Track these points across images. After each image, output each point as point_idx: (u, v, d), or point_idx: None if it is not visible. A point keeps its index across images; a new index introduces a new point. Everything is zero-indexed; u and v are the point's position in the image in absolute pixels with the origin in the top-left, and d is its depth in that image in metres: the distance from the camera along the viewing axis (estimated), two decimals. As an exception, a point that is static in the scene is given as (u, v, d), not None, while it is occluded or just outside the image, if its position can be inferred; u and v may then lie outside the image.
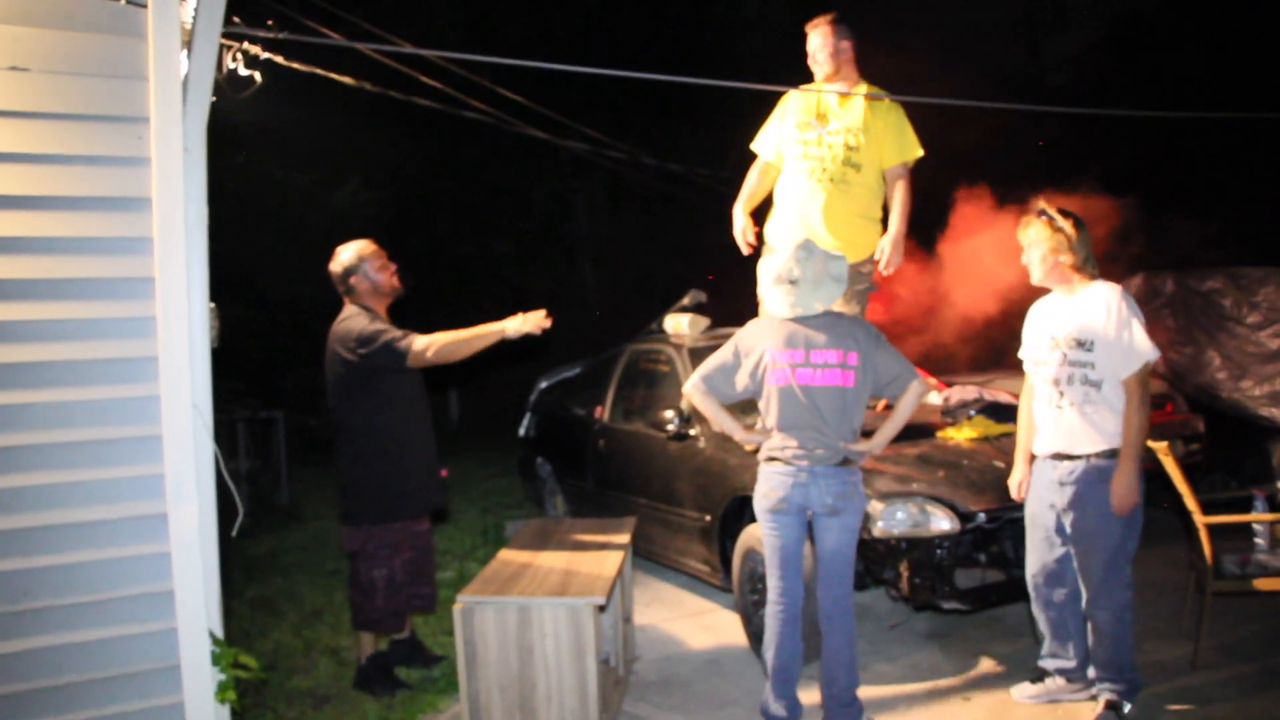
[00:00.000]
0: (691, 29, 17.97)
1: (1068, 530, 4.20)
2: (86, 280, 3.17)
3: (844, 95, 4.78)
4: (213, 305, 3.46)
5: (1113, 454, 4.06)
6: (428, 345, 4.42)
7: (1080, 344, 4.11)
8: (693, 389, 4.31)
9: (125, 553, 3.21)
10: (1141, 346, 4.01)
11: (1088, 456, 4.10)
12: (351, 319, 4.64)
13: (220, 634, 3.38)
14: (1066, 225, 4.15)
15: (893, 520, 4.59)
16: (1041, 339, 4.29)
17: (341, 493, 4.78)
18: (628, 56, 14.96)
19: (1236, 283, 7.93)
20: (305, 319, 12.00)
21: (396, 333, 4.49)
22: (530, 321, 4.47)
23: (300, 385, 12.84)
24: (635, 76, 4.69)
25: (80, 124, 3.15)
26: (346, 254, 4.77)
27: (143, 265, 3.20)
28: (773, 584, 4.25)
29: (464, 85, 9.14)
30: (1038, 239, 4.20)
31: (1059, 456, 4.19)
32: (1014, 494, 4.49)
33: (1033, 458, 4.39)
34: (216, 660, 3.33)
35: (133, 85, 3.17)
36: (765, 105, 5.09)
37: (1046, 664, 4.45)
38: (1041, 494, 4.29)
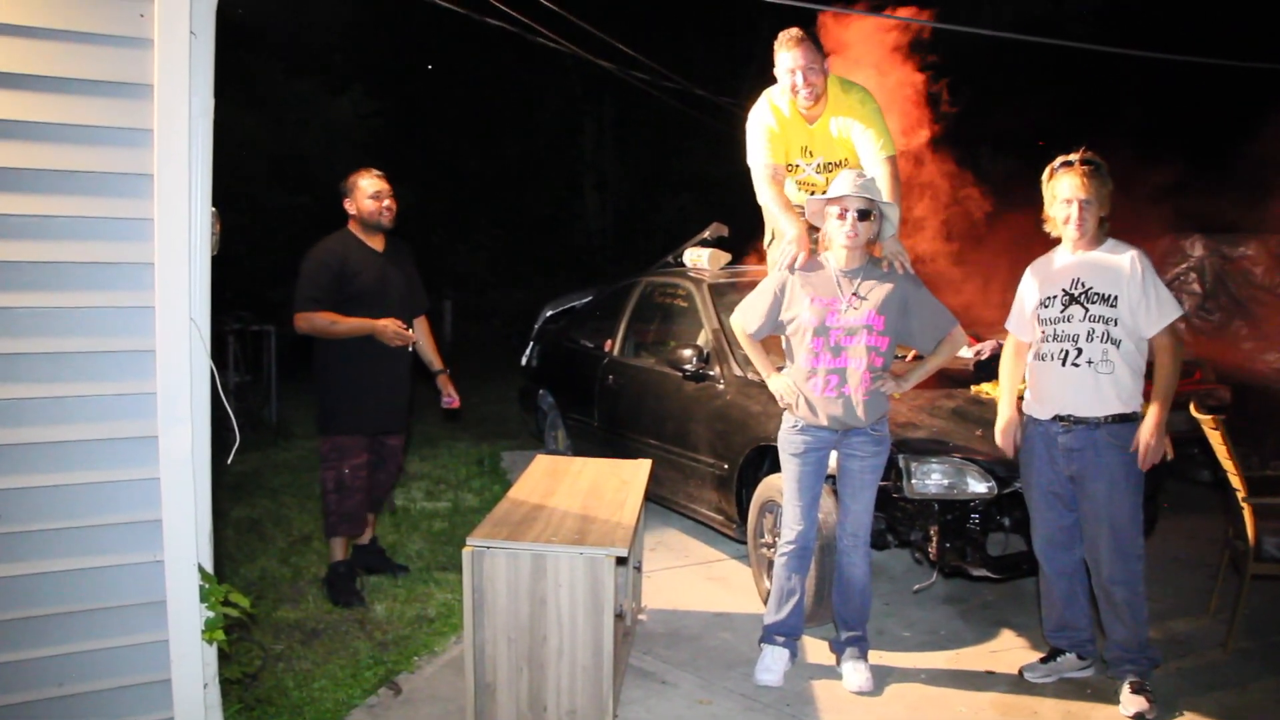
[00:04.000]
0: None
1: (1077, 498, 4.01)
2: (76, 173, 2.83)
3: (813, 118, 4.53)
4: (214, 209, 3.13)
5: (1125, 418, 3.88)
6: (304, 323, 4.79)
7: (1105, 299, 3.89)
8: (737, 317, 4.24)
9: (110, 477, 2.94)
10: (1169, 302, 3.88)
11: (1100, 421, 3.89)
12: (318, 249, 4.86)
13: (210, 568, 3.12)
14: (1109, 178, 3.97)
15: (927, 479, 4.32)
16: (1053, 296, 4.03)
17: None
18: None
19: (1271, 250, 7.68)
20: (301, 230, 11.65)
21: (306, 294, 4.77)
22: (391, 334, 4.82)
23: (292, 299, 12.49)
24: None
25: (76, -4, 2.78)
26: (351, 176, 4.91)
27: (141, 160, 2.86)
28: (788, 515, 4.12)
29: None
30: (1096, 196, 3.91)
31: (1067, 419, 3.94)
32: (1001, 442, 4.16)
33: (1019, 409, 4.19)
34: (205, 597, 3.09)
35: (135, -43, 2.80)
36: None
37: (1056, 639, 4.25)
38: (1047, 457, 4.04)
